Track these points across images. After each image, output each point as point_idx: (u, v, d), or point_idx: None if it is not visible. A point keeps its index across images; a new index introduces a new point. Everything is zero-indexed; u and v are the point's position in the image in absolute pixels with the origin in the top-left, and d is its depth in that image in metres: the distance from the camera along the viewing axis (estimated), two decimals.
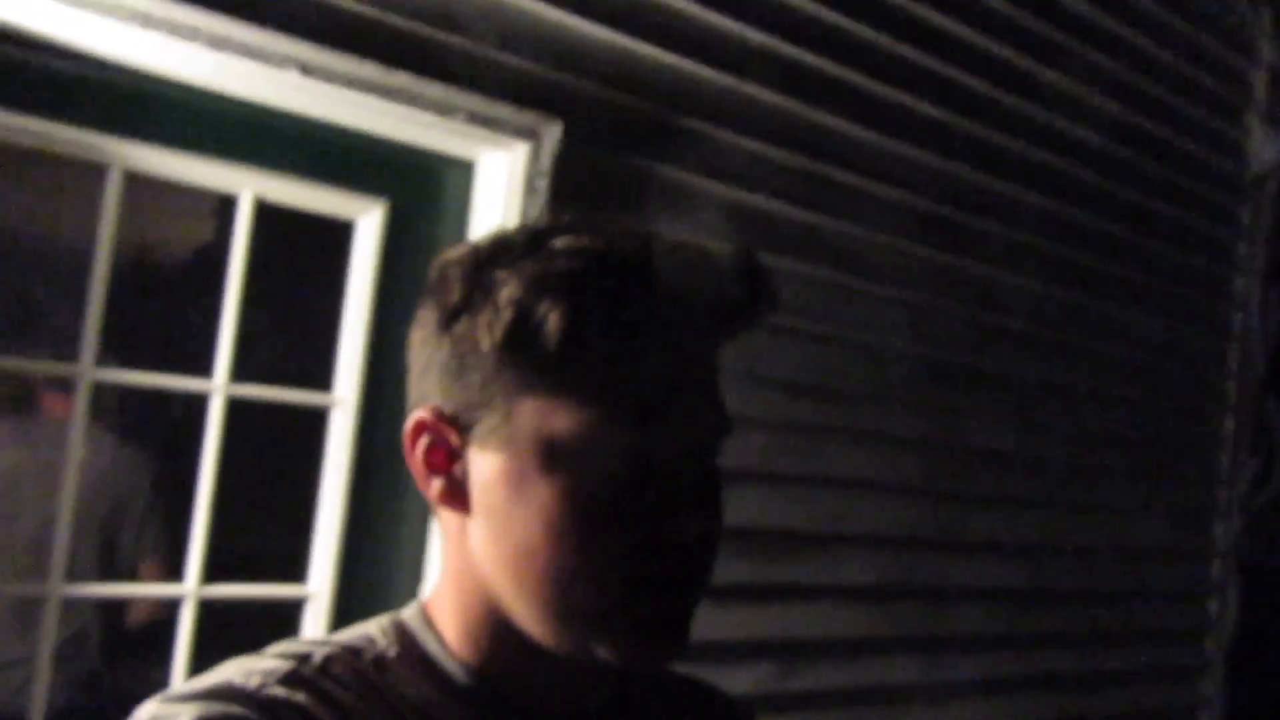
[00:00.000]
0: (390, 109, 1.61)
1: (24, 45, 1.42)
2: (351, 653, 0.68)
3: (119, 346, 1.64)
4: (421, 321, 0.72)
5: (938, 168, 2.36)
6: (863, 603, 2.28)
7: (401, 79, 1.59)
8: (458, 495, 0.69)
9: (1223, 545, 3.14)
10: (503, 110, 1.70)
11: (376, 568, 1.75)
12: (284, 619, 1.71)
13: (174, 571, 2.39)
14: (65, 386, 2.26)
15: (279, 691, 0.62)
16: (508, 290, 0.65)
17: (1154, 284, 2.92)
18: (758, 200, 2.05)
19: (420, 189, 1.79)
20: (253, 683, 0.62)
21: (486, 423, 0.67)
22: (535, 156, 1.75)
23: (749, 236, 2.04)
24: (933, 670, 2.42)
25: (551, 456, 0.65)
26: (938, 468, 2.41)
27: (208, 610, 1.64)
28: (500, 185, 1.76)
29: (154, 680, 1.57)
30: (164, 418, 2.91)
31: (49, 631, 1.57)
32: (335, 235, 1.75)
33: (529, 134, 1.74)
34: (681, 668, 1.98)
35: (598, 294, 0.65)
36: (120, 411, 2.58)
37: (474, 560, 0.69)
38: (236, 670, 0.64)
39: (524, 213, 1.75)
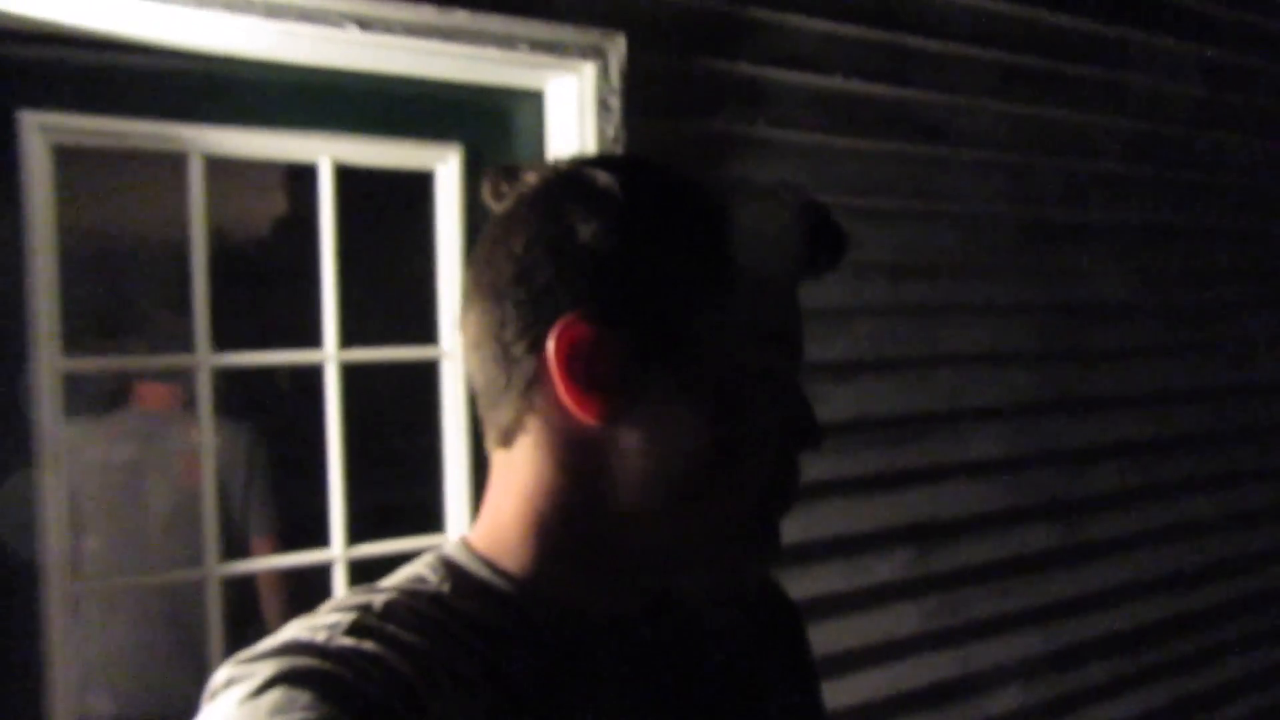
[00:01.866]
0: (452, 50, 1.57)
1: (88, 46, 1.42)
2: (408, 595, 0.67)
3: (224, 330, 1.66)
4: (556, 222, 0.67)
5: (1016, 16, 2.23)
6: (993, 476, 2.25)
7: (460, 17, 1.55)
8: (605, 406, 0.66)
9: None
10: (564, 32, 1.64)
11: None
12: None
13: (288, 543, 2.49)
14: (159, 377, 2.33)
15: (347, 642, 0.61)
16: (716, 216, 0.68)
17: (1258, 105, 2.75)
18: (835, 82, 1.97)
19: (493, 127, 1.76)
20: (320, 637, 0.62)
21: (668, 336, 0.66)
22: (604, 74, 1.70)
23: (829, 121, 1.96)
24: (1071, 533, 2.38)
25: (739, 375, 0.67)
26: (1052, 329, 2.34)
27: (356, 571, 1.68)
28: (572, 109, 1.72)
29: None
30: (267, 393, 2.98)
31: (214, 612, 1.63)
32: (418, 187, 1.73)
33: (594, 52, 1.68)
34: (823, 561, 1.96)
35: (771, 236, 0.71)
36: (227, 392, 2.64)
37: (604, 474, 0.67)
38: (301, 628, 0.63)
39: (600, 133, 1.71)
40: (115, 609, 2.36)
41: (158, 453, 2.36)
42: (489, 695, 0.64)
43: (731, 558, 0.70)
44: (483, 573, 0.70)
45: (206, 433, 1.62)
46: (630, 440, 0.66)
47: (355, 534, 1.71)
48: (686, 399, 0.66)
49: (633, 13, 1.72)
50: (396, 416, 2.12)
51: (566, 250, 0.66)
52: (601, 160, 0.71)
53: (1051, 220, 2.32)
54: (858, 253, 1.97)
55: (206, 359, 1.59)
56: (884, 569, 2.09)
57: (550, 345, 0.65)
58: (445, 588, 0.68)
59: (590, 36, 1.66)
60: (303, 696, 0.57)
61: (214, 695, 0.60)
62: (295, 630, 0.64)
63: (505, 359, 0.67)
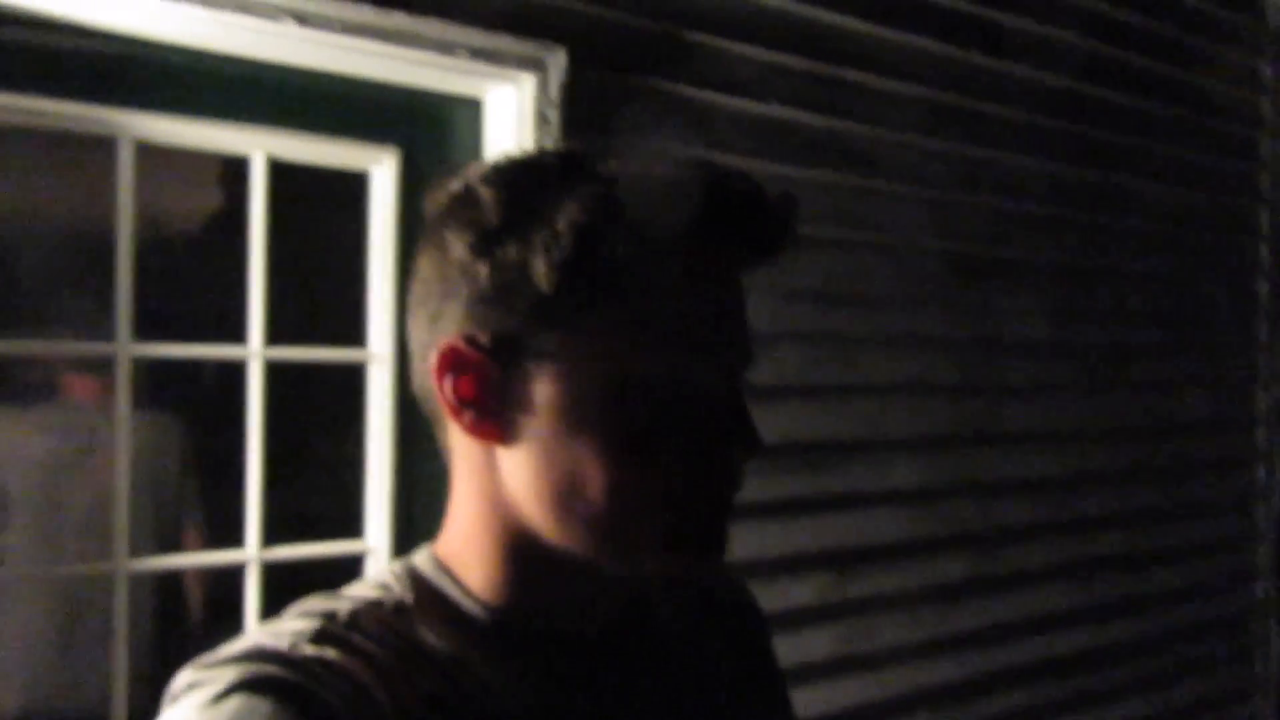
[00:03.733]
0: (391, 52, 1.59)
1: (20, 24, 1.40)
2: (373, 604, 0.68)
3: (149, 320, 1.64)
4: (442, 245, 0.67)
5: (949, 56, 2.31)
6: (910, 505, 2.29)
7: (399, 19, 1.56)
8: (491, 426, 0.67)
9: (1266, 411, 3.12)
10: (505, 42, 1.66)
11: (431, 515, 1.76)
12: (345, 576, 1.72)
13: (218, 539, 2.45)
14: (89, 368, 2.29)
15: (310, 650, 0.62)
16: (568, 213, 0.64)
17: (1177, 152, 2.86)
18: (771, 109, 2.01)
19: (430, 132, 1.77)
20: (283, 644, 0.62)
21: (535, 350, 0.65)
22: (543, 87, 1.72)
23: (764, 147, 2.01)
24: (983, 565, 2.43)
25: (610, 382, 0.65)
26: (972, 363, 2.40)
27: (271, 573, 1.66)
28: (510, 120, 1.73)
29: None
30: (197, 387, 2.93)
31: (121, 608, 1.59)
32: (351, 188, 1.74)
33: (534, 64, 1.71)
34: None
35: (661, 222, 0.65)
36: (153, 385, 2.60)
37: (505, 490, 0.68)
38: (265, 634, 0.64)
39: (538, 145, 1.72)
40: (30, 603, 2.30)
41: (83, 445, 2.32)
42: (449, 709, 0.64)
43: (655, 567, 0.70)
44: (444, 585, 0.70)
45: (123, 423, 1.60)
46: (520, 457, 0.67)
47: (273, 535, 1.69)
48: (571, 414, 0.65)
49: (574, 27, 1.75)
50: (322, 419, 2.10)
51: (447, 268, 0.67)
52: (506, 165, 0.70)
53: (975, 256, 2.39)
54: (787, 279, 2.03)
55: (126, 348, 1.57)
56: (800, 593, 2.11)
57: (432, 364, 0.67)
58: (409, 598, 0.69)
59: (530, 48, 1.69)
60: (263, 704, 0.57)
61: (174, 699, 0.59)
62: (259, 636, 0.63)
63: (426, 377, 0.69)
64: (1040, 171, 2.52)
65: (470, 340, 0.66)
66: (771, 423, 2.05)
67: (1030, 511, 2.52)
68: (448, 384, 0.66)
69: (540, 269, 0.64)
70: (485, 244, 0.65)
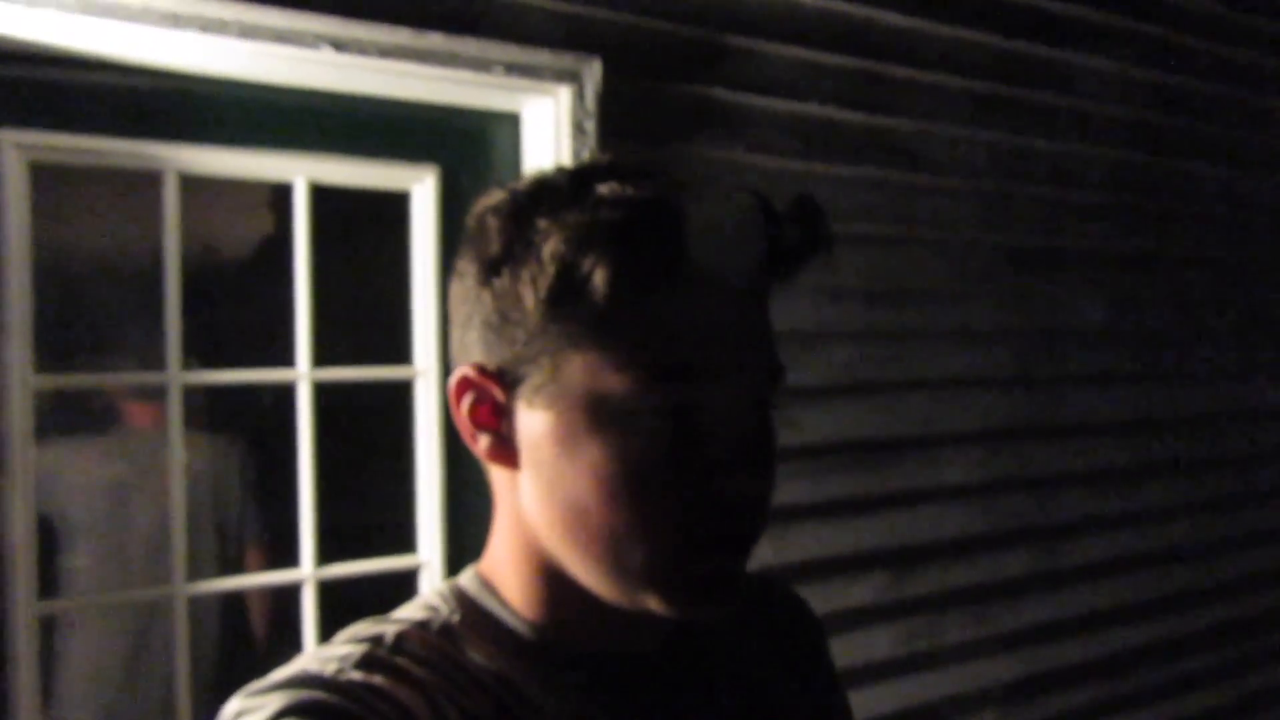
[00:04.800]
0: (428, 72, 1.59)
1: (64, 65, 1.42)
2: (420, 626, 0.68)
3: (199, 348, 1.66)
4: (461, 273, 0.68)
5: (996, 46, 2.26)
6: (968, 501, 2.25)
7: (435, 40, 1.56)
8: (506, 451, 0.68)
9: None
10: (540, 56, 1.66)
11: (482, 528, 1.76)
12: (401, 590, 1.74)
13: (275, 559, 2.48)
14: (145, 396, 2.33)
15: (356, 675, 0.62)
16: (551, 244, 0.62)
17: (1236, 135, 2.78)
18: (812, 109, 1.99)
19: (469, 149, 1.77)
20: (330, 669, 0.62)
21: (532, 379, 0.65)
22: (579, 98, 1.71)
23: (806, 147, 1.98)
24: (1046, 559, 2.39)
25: (600, 414, 0.63)
26: (1029, 355, 2.35)
27: (327, 591, 1.68)
28: (547, 132, 1.73)
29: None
30: (249, 411, 2.98)
31: (181, 630, 1.62)
32: (393, 207, 1.74)
33: (570, 76, 1.70)
34: (796, 584, 1.97)
35: (644, 246, 0.62)
36: (206, 411, 2.63)
37: (525, 515, 0.68)
38: (313, 659, 0.64)
39: (575, 157, 1.72)
40: (96, 628, 2.34)
41: (146, 471, 2.35)
42: None
43: (657, 608, 0.66)
44: (489, 603, 0.71)
45: (176, 450, 1.62)
46: (531, 485, 0.67)
47: (327, 553, 1.71)
48: (568, 446, 0.64)
49: (608, 37, 1.73)
50: (372, 437, 2.12)
51: (466, 295, 0.68)
52: (520, 189, 0.68)
53: (1028, 246, 2.34)
54: (833, 277, 2.01)
55: (178, 376, 1.59)
56: (858, 593, 2.09)
57: (450, 389, 0.68)
58: (455, 618, 0.69)
59: (565, 60, 1.68)
60: None
61: None
62: (307, 661, 0.64)
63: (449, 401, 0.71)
64: (1098, 159, 2.46)
65: (480, 368, 0.67)
66: (821, 422, 2.03)
67: (1092, 503, 2.47)
68: (463, 410, 0.68)
69: (529, 300, 0.64)
70: (487, 273, 0.66)
